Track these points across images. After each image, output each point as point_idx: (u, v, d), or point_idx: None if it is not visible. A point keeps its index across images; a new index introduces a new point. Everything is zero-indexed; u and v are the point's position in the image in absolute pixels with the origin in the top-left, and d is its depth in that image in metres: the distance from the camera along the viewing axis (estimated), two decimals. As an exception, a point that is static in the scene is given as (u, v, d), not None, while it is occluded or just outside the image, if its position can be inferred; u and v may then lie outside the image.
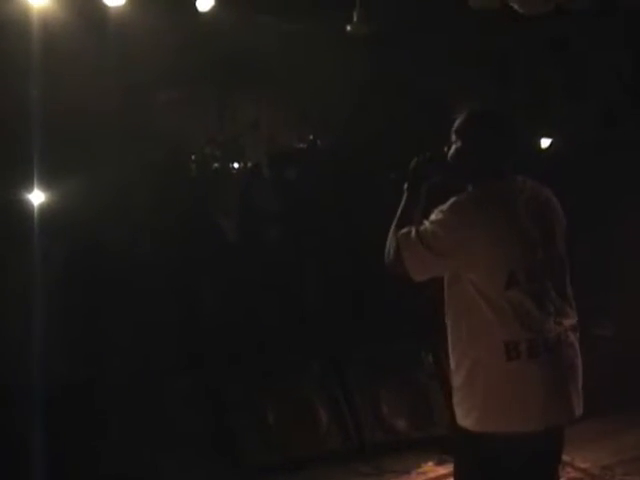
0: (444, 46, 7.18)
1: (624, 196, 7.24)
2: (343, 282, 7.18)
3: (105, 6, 5.66)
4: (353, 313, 6.95)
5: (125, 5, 5.70)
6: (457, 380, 3.42)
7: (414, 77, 7.26)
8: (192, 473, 5.73)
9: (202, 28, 6.38)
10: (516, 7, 5.55)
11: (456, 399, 3.44)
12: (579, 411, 3.40)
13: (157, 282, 6.54)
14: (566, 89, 8.01)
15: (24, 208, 6.20)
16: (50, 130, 5.95)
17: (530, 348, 3.24)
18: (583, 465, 5.85)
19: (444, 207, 3.34)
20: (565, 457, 4.96)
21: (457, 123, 3.49)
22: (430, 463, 5.96)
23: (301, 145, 7.93)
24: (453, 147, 3.50)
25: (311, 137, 7.90)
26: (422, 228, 3.32)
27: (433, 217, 3.34)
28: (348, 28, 6.27)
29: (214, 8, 6.12)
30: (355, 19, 6.24)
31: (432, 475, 5.87)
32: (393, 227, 3.43)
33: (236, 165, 7.82)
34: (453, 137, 3.51)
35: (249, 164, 7.82)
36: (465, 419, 3.38)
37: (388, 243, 3.42)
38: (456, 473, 3.58)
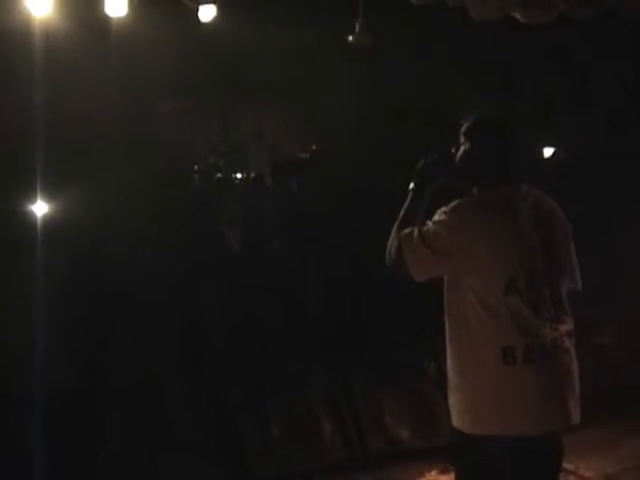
0: (447, 57, 7.19)
1: (629, 204, 7.23)
2: (345, 291, 7.17)
3: (107, 17, 5.65)
4: (356, 322, 6.93)
5: (127, 16, 5.69)
6: (453, 382, 3.44)
7: (417, 88, 7.26)
8: (195, 484, 5.73)
9: (205, 38, 6.38)
10: (518, 17, 5.54)
11: (451, 400, 3.47)
12: (576, 417, 3.41)
13: (160, 291, 6.53)
14: (570, 98, 8.01)
15: (27, 219, 6.21)
16: (53, 141, 5.96)
17: (526, 353, 3.27)
18: (587, 474, 5.84)
19: (447, 208, 3.37)
20: (569, 465, 4.97)
21: (466, 126, 3.54)
22: (433, 472, 5.96)
23: (303, 155, 7.93)
24: (461, 148, 3.53)
25: (314, 147, 7.90)
26: (424, 228, 3.36)
27: (436, 217, 3.37)
28: (350, 39, 6.28)
29: (216, 18, 6.12)
30: (357, 30, 6.24)
31: (435, 484, 5.88)
32: (396, 227, 3.46)
33: (239, 175, 7.83)
34: (462, 139, 3.55)
35: (252, 174, 7.83)
36: (460, 421, 3.41)
37: (390, 242, 3.45)
38: (456, 478, 3.59)
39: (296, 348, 6.59)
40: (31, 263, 5.93)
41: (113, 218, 6.46)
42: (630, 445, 6.36)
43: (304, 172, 7.76)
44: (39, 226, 6.21)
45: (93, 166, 6.36)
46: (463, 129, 3.54)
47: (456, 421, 3.42)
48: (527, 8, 5.51)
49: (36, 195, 6.25)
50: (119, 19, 5.67)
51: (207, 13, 6.03)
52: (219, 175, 7.71)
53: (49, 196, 6.28)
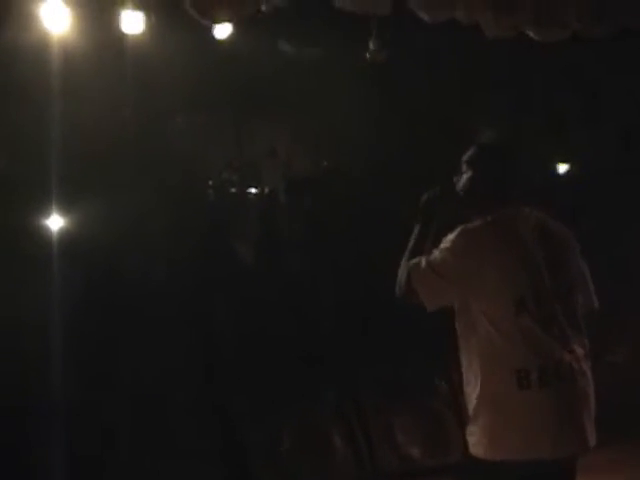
0: (460, 74, 7.20)
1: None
2: (357, 307, 7.17)
3: (123, 34, 5.70)
4: (368, 341, 6.93)
5: (143, 33, 5.73)
6: (469, 409, 3.44)
7: (430, 105, 7.27)
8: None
9: (220, 55, 6.42)
10: (532, 35, 5.56)
11: (468, 428, 3.47)
12: (592, 441, 3.41)
13: (172, 305, 6.55)
14: (582, 114, 8.01)
15: (42, 232, 6.25)
16: (69, 155, 6.00)
17: (541, 377, 3.27)
18: (598, 495, 5.80)
19: (452, 235, 3.42)
20: (580, 485, 4.93)
21: (468, 154, 3.61)
22: (444, 491, 5.96)
23: (317, 171, 7.94)
24: (464, 176, 3.59)
25: (326, 163, 7.93)
26: (432, 257, 3.39)
27: (442, 245, 3.41)
28: (367, 56, 6.30)
29: (232, 35, 6.15)
30: (371, 47, 6.26)
31: (446, 502, 5.88)
32: (404, 259, 3.49)
33: (253, 190, 7.85)
34: (463, 167, 3.61)
35: (266, 190, 7.85)
36: (476, 447, 3.41)
37: (399, 274, 3.48)
38: (470, 501, 3.60)
39: (307, 363, 6.59)
40: (46, 276, 5.97)
41: (127, 232, 6.49)
42: (642, 467, 6.33)
43: (317, 188, 7.77)
44: (54, 239, 6.25)
45: (108, 181, 6.39)
46: (465, 157, 3.61)
47: (473, 448, 3.42)
48: (541, 26, 5.52)
49: (51, 209, 6.29)
50: (135, 36, 5.71)
51: (222, 31, 6.08)
52: (233, 190, 7.73)
53: (64, 210, 6.32)
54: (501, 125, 7.28)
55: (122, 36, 5.68)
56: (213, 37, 6.11)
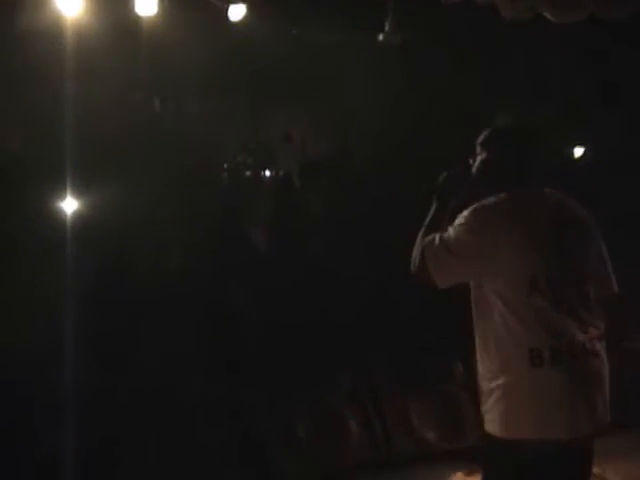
0: (477, 56, 7.16)
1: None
2: (373, 292, 7.15)
3: (137, 16, 5.69)
4: (384, 324, 6.91)
5: (157, 15, 5.72)
6: (484, 387, 3.46)
7: (446, 88, 7.23)
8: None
9: (234, 37, 6.39)
10: (548, 16, 5.52)
11: (483, 406, 3.48)
12: (606, 421, 3.40)
13: (186, 291, 6.54)
14: (602, 97, 7.95)
15: (56, 216, 6.25)
16: (83, 139, 5.99)
17: (553, 356, 3.28)
18: (614, 478, 5.78)
19: (466, 212, 3.43)
20: (596, 470, 4.89)
21: (482, 136, 3.63)
22: (460, 474, 5.93)
23: (332, 155, 7.92)
24: (478, 158, 3.62)
25: (343, 147, 7.90)
26: (445, 234, 3.41)
27: (456, 222, 3.43)
28: (380, 38, 6.28)
29: (246, 17, 6.13)
30: (387, 29, 6.24)
31: (462, 487, 5.86)
32: (420, 237, 3.51)
33: (268, 173, 7.84)
34: (478, 149, 3.63)
35: (280, 173, 7.83)
36: (491, 425, 3.41)
37: (414, 252, 3.50)
38: (484, 481, 3.61)
39: (323, 349, 6.58)
40: (60, 260, 5.97)
41: (142, 217, 6.48)
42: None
43: (332, 172, 7.75)
44: (69, 224, 6.25)
45: (123, 165, 6.38)
46: (479, 140, 3.63)
47: (488, 426, 3.43)
48: (557, 7, 5.50)
49: (66, 192, 6.29)
50: (149, 18, 5.71)
51: (237, 12, 6.06)
52: (248, 173, 7.73)
53: (78, 194, 6.32)
54: (518, 108, 7.24)
55: (136, 18, 5.68)
56: (228, 19, 6.10)
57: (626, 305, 3.65)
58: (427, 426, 6.37)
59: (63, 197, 6.28)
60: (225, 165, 7.67)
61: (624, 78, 7.72)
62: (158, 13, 5.73)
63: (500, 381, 3.35)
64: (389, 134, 7.43)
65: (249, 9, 6.01)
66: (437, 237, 3.40)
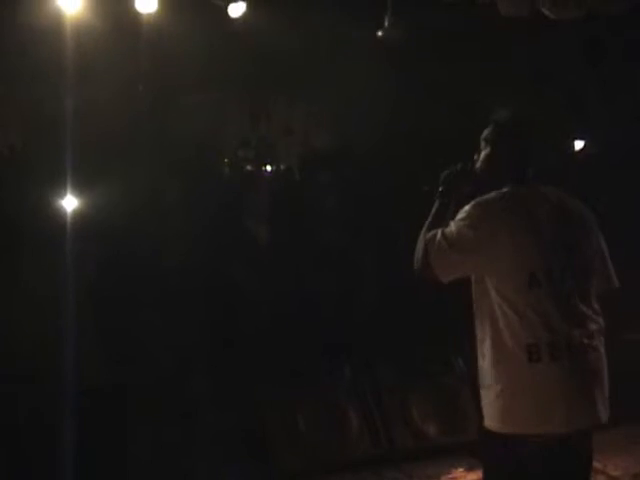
0: (477, 51, 7.16)
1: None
2: (374, 286, 7.17)
3: (138, 12, 5.70)
4: (384, 317, 6.93)
5: (157, 11, 5.73)
6: (483, 381, 3.47)
7: (447, 82, 7.24)
8: (222, 476, 5.75)
9: (235, 32, 6.40)
10: (547, 13, 5.52)
11: (482, 401, 3.49)
12: (605, 416, 3.41)
13: (186, 285, 6.56)
14: (601, 91, 7.96)
15: (57, 213, 6.25)
16: (83, 135, 6.00)
17: (552, 351, 3.28)
18: (615, 473, 5.78)
19: (468, 206, 3.44)
20: (597, 464, 4.93)
21: (486, 131, 3.63)
22: (460, 469, 5.95)
23: (333, 149, 7.92)
24: (482, 153, 3.62)
25: (343, 142, 7.90)
26: (447, 229, 3.42)
27: (457, 217, 3.44)
28: (379, 33, 6.28)
29: (246, 12, 6.15)
30: (386, 24, 6.25)
31: (462, 481, 5.88)
32: (422, 232, 3.52)
33: (269, 168, 7.84)
34: (482, 144, 3.63)
35: (281, 167, 7.84)
36: (490, 420, 3.42)
37: (417, 248, 3.50)
38: (484, 477, 3.61)
39: (324, 342, 6.60)
40: (61, 257, 5.98)
41: (142, 211, 6.49)
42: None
43: (333, 166, 7.75)
44: (69, 220, 6.26)
45: (123, 159, 6.39)
46: (483, 135, 3.63)
47: (487, 421, 3.44)
48: (556, 4, 5.50)
49: (66, 189, 6.29)
50: (149, 15, 5.72)
51: (236, 9, 6.07)
52: (249, 167, 7.73)
53: (79, 190, 6.32)
54: (520, 103, 7.23)
55: (136, 14, 5.68)
56: (228, 15, 6.11)
57: (628, 297, 3.66)
58: (427, 420, 6.37)
59: (64, 192, 6.28)
60: (226, 160, 7.67)
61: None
62: (158, 9, 5.74)
63: (499, 376, 3.36)
64: (391, 128, 7.44)
65: (249, 4, 6.03)
66: (439, 232, 3.41)
